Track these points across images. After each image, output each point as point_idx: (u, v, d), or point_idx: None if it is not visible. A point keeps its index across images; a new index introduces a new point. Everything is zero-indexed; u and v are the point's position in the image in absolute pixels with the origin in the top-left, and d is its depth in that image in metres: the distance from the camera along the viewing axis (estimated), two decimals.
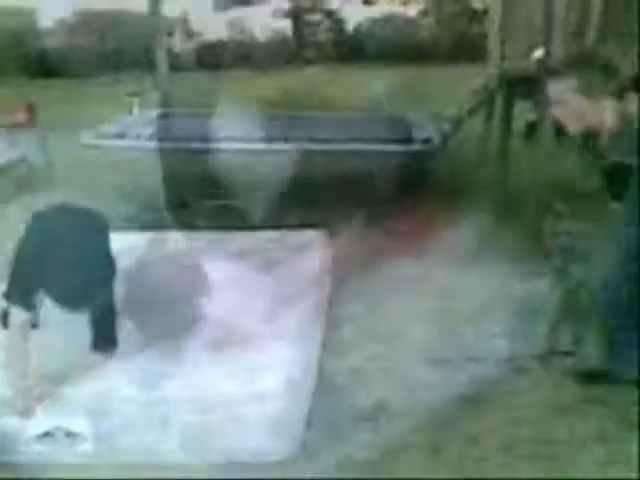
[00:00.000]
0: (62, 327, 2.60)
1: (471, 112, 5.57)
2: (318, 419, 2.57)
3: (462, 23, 15.64)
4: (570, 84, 2.32)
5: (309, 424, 2.52)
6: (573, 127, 2.41)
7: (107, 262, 2.36)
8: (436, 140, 5.06)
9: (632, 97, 2.32)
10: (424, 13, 17.62)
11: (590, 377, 2.80)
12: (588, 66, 2.33)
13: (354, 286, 3.76)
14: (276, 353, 2.54)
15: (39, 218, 2.57)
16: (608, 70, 2.31)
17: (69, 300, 2.26)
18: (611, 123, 2.33)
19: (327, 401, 2.69)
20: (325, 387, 2.77)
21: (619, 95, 2.31)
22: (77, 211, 2.58)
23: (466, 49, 11.47)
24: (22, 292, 2.38)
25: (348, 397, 2.73)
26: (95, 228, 2.45)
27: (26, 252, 2.44)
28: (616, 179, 2.45)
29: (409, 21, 17.46)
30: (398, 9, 18.16)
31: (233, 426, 2.32)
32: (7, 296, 2.44)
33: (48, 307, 2.47)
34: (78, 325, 2.45)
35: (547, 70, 2.44)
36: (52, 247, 2.31)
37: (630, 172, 2.40)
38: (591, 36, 4.44)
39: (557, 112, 2.42)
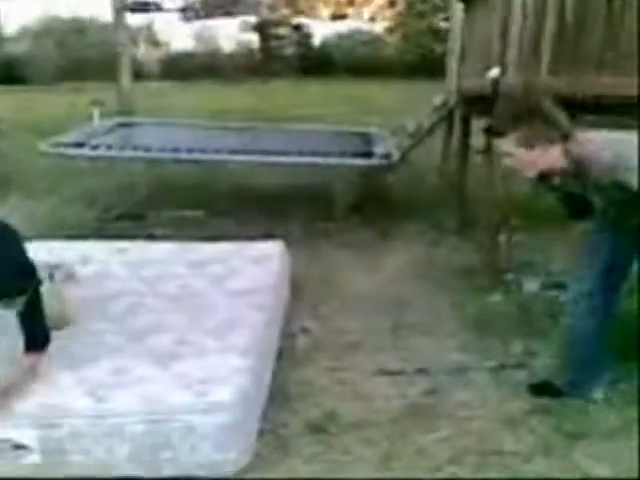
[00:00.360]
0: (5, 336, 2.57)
1: (431, 128, 5.67)
2: (270, 430, 2.58)
3: (427, 41, 15.88)
4: (514, 138, 2.40)
5: (261, 435, 2.53)
6: (525, 173, 2.49)
7: (24, 264, 2.36)
8: (395, 155, 5.12)
9: (576, 138, 2.41)
10: (390, 30, 17.84)
11: (542, 390, 2.86)
12: (530, 122, 2.41)
13: (309, 298, 3.80)
14: (229, 364, 2.53)
15: None
16: (549, 123, 2.40)
17: None
18: (560, 165, 2.42)
19: (279, 412, 2.70)
20: (278, 398, 2.78)
21: (564, 139, 2.40)
22: None
23: (429, 66, 11.66)
24: None
25: (300, 408, 2.75)
26: (5, 235, 2.45)
27: None
28: (571, 204, 2.56)
29: (375, 37, 17.67)
30: (365, 25, 18.39)
31: (184, 438, 2.31)
32: None
33: None
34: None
35: (492, 132, 2.54)
36: None
37: (584, 198, 2.51)
38: (545, 59, 4.56)
39: (507, 162, 2.50)
